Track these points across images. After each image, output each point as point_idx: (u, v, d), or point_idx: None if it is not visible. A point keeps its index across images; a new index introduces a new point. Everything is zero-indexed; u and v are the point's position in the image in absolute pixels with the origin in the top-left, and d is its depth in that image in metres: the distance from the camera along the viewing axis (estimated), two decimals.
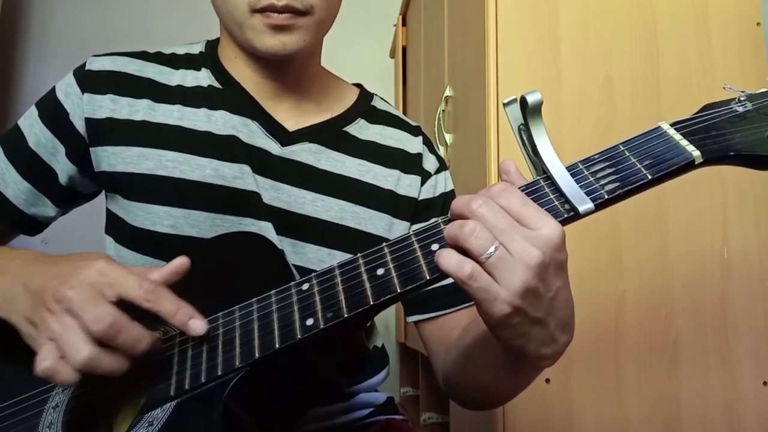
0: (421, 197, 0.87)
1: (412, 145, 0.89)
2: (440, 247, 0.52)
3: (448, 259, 0.49)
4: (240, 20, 0.74)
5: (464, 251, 0.49)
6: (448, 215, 0.53)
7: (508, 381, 0.66)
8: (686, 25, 1.22)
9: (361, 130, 0.87)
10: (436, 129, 1.60)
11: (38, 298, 0.57)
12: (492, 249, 0.48)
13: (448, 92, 1.56)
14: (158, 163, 0.76)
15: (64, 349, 0.53)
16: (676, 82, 1.20)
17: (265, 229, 0.77)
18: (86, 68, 0.79)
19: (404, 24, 2.36)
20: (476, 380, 0.70)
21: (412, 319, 0.85)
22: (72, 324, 0.53)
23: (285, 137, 0.81)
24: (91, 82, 0.78)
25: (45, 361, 0.53)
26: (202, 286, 0.57)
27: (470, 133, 1.33)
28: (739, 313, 1.13)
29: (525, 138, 0.56)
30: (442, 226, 0.53)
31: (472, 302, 0.82)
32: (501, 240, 0.48)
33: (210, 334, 0.58)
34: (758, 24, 1.23)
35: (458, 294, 0.81)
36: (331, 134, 0.84)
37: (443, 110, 1.59)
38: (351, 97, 0.90)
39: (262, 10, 0.72)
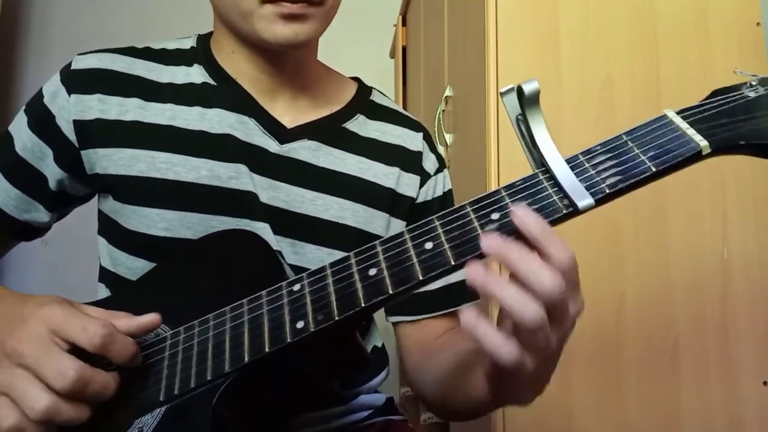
0: (419, 200, 0.86)
1: (413, 141, 0.88)
2: (434, 246, 0.50)
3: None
4: (248, 10, 0.71)
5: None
6: (444, 212, 0.52)
7: (489, 405, 0.65)
8: (686, 25, 1.21)
9: (361, 126, 0.85)
10: (436, 129, 1.59)
11: None
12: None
13: (448, 92, 1.55)
14: (151, 164, 0.74)
15: (18, 401, 0.49)
16: (676, 82, 1.19)
17: (262, 230, 0.75)
18: (72, 68, 0.76)
19: (404, 24, 2.35)
20: (455, 404, 0.71)
21: (392, 319, 0.86)
22: (24, 374, 0.50)
23: (283, 135, 0.79)
24: (77, 82, 0.75)
25: (8, 420, 0.49)
26: (194, 287, 0.57)
27: (470, 133, 1.32)
28: (739, 314, 1.13)
29: (523, 129, 0.53)
30: (436, 223, 0.52)
31: (450, 309, 0.83)
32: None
33: (198, 338, 0.57)
34: (758, 24, 1.22)
35: (437, 300, 0.82)
36: (331, 131, 0.82)
37: (443, 110, 1.58)
38: (349, 92, 0.88)
39: (275, 0, 0.69)
